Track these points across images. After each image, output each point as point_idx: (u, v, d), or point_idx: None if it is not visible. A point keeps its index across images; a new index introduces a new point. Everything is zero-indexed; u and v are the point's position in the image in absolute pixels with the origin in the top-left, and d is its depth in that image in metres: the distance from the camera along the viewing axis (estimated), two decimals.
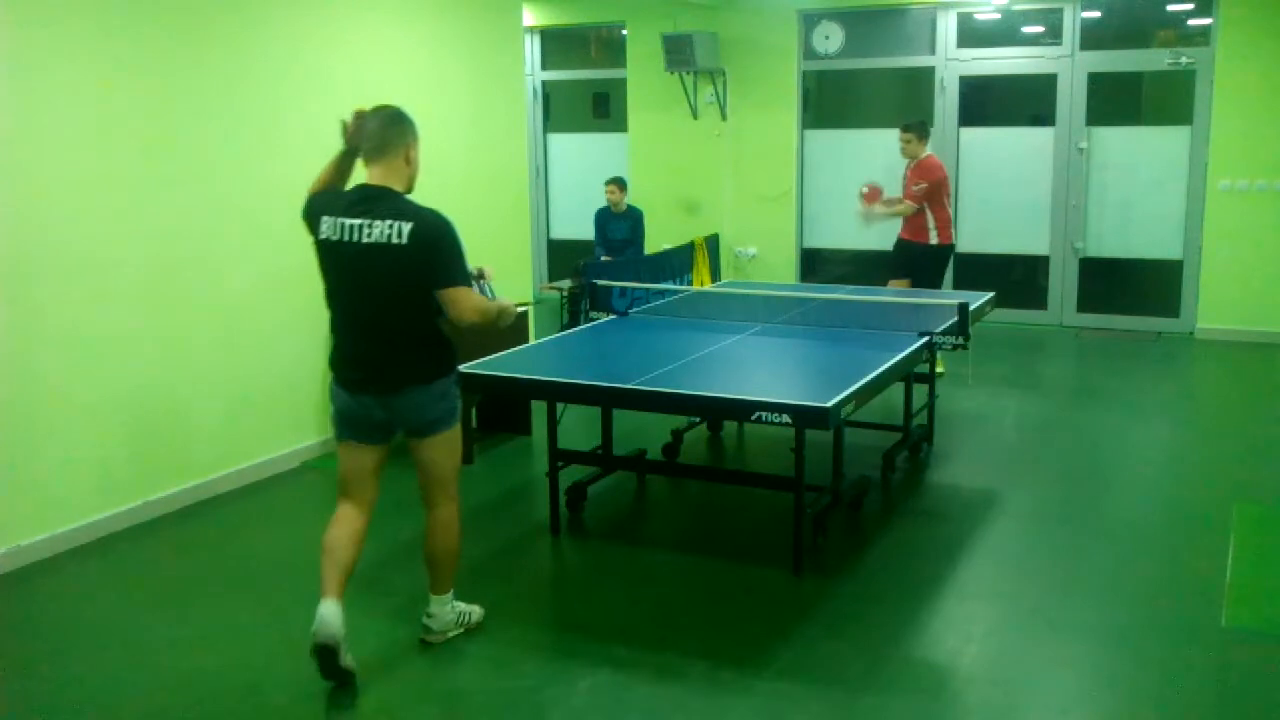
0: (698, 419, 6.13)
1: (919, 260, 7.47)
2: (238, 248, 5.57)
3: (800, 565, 4.48)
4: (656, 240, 9.54)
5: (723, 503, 5.44)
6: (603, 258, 8.80)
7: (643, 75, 10.60)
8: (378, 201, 3.50)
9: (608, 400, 4.75)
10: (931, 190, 7.34)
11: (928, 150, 7.54)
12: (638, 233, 9.20)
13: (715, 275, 8.88)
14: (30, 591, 4.45)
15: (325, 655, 3.50)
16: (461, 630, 3.97)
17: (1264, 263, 8.70)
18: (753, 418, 4.09)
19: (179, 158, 5.24)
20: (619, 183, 9.19)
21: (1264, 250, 8.69)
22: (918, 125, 7.54)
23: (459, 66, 7.09)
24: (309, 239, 3.66)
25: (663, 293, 6.67)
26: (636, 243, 9.16)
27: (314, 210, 3.62)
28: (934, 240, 7.43)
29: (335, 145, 3.89)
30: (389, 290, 3.51)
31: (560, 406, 4.97)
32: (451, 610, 3.94)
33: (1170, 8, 9.42)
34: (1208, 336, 8.94)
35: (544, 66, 11.43)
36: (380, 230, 3.45)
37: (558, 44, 11.58)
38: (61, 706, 3.58)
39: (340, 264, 3.54)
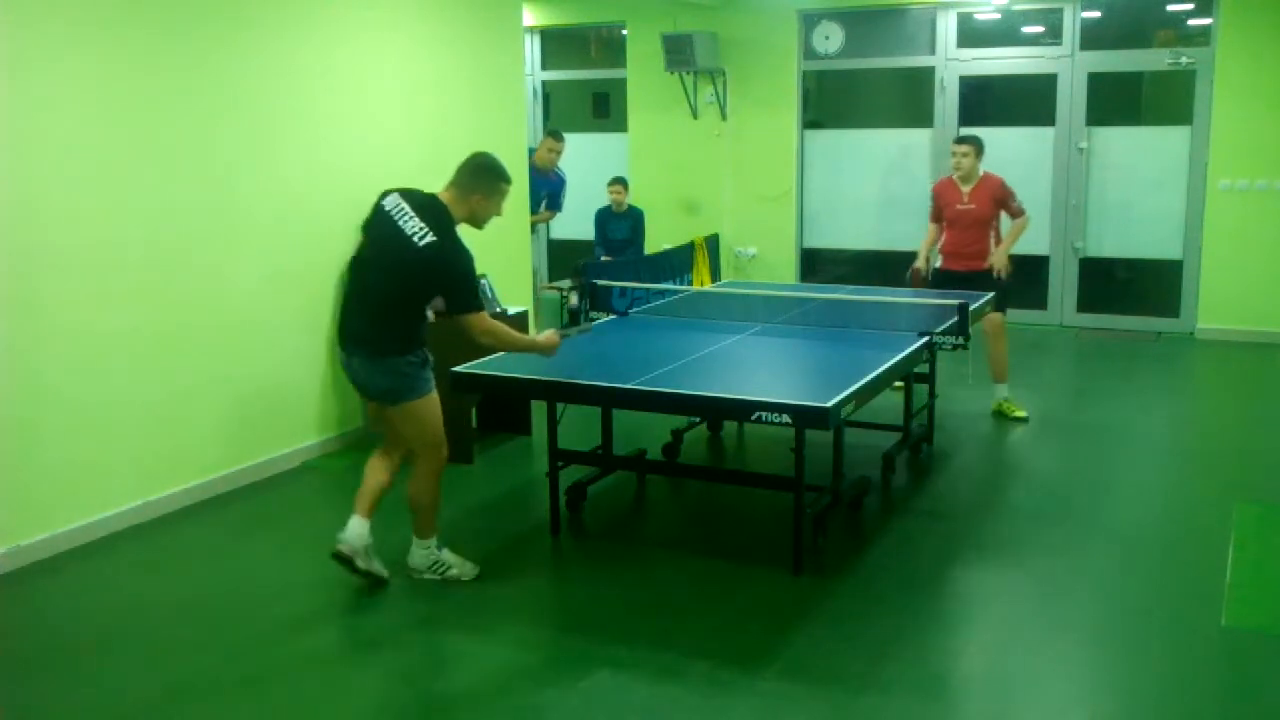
0: (698, 419, 6.13)
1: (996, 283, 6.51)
2: (238, 248, 5.57)
3: (800, 565, 4.48)
4: (656, 240, 9.54)
5: (723, 503, 5.44)
6: (603, 258, 8.80)
7: (643, 75, 10.60)
8: (432, 208, 4.10)
9: (608, 400, 4.75)
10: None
11: (978, 162, 6.65)
12: (638, 233, 9.21)
13: (715, 275, 8.88)
14: (30, 591, 4.45)
15: (341, 561, 4.22)
16: (436, 577, 4.38)
17: (1264, 263, 8.70)
18: (753, 418, 4.10)
19: (179, 158, 5.24)
20: (623, 183, 9.20)
21: (1264, 250, 8.69)
22: (979, 141, 6.68)
23: (459, 66, 7.09)
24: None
25: (663, 293, 6.67)
26: (637, 243, 9.17)
27: (381, 198, 4.21)
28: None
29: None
30: (390, 272, 4.06)
31: (560, 406, 4.97)
32: (427, 554, 4.39)
33: (1170, 8, 9.42)
34: (1208, 336, 8.94)
35: (544, 66, 11.43)
36: (414, 225, 4.04)
37: (558, 44, 11.58)
38: (62, 707, 3.58)
39: (375, 233, 4.16)
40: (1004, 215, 6.72)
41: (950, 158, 6.71)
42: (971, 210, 6.60)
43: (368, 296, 4.17)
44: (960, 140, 6.74)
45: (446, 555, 4.42)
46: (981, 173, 6.67)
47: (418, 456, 4.30)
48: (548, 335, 4.48)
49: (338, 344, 4.34)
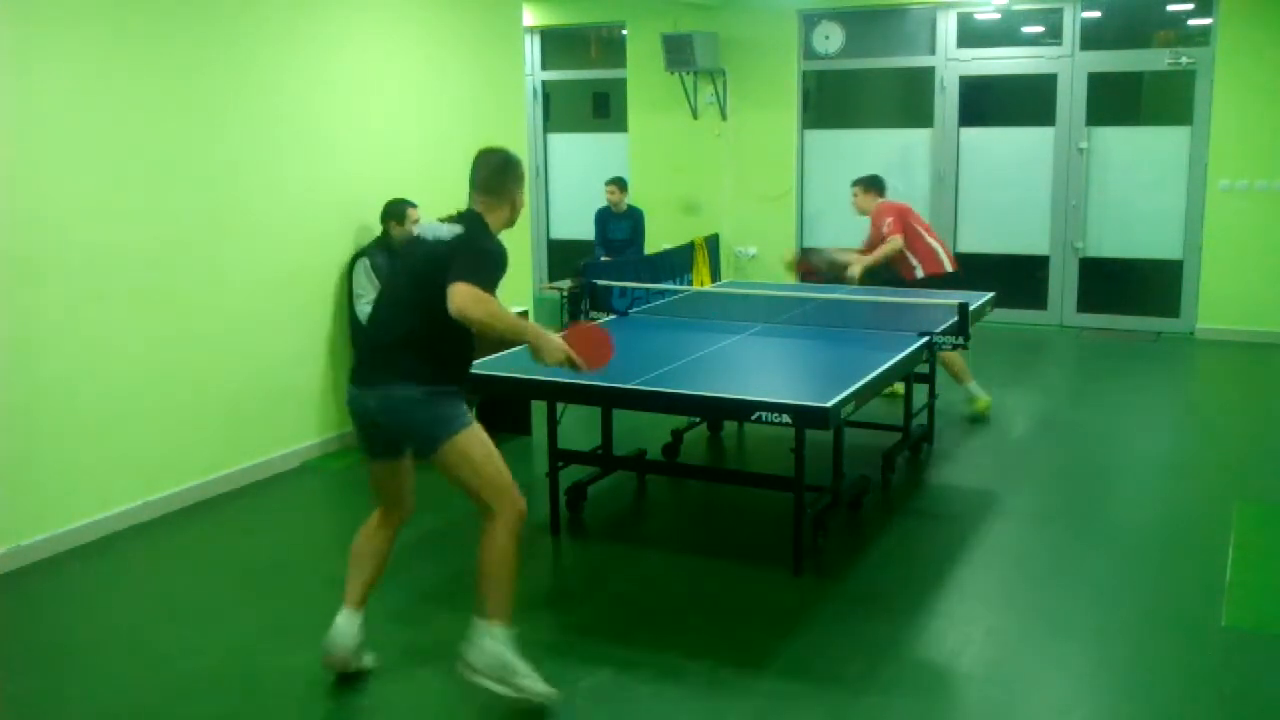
0: (698, 419, 6.12)
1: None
2: (238, 248, 5.57)
3: (800, 565, 4.48)
4: (656, 240, 9.53)
5: (723, 503, 5.44)
6: (603, 258, 8.80)
7: (643, 75, 10.60)
8: (463, 217, 3.58)
9: (608, 400, 4.75)
10: (899, 224, 6.81)
11: (872, 200, 7.03)
12: (638, 233, 9.20)
13: (715, 275, 8.87)
14: (30, 591, 4.45)
15: (332, 669, 3.62)
16: (501, 688, 3.42)
17: (1264, 263, 8.70)
18: (753, 418, 4.10)
19: (179, 158, 5.24)
20: (619, 183, 9.19)
21: (1264, 250, 8.69)
22: (868, 180, 7.08)
23: (459, 66, 7.09)
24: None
25: (663, 293, 6.67)
26: (637, 243, 9.17)
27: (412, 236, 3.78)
28: (919, 274, 6.83)
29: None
30: (419, 281, 3.47)
31: (560, 406, 4.97)
32: (495, 647, 3.44)
33: (1170, 8, 9.42)
34: (1208, 336, 8.94)
35: (544, 66, 11.43)
36: (444, 231, 3.52)
37: (558, 44, 11.58)
38: (61, 707, 3.58)
39: (401, 259, 3.74)
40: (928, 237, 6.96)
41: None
42: (869, 241, 6.96)
43: (391, 317, 3.54)
44: (854, 182, 7.12)
45: (521, 666, 3.45)
46: (875, 206, 6.99)
47: (481, 509, 3.48)
48: (555, 340, 3.61)
49: (349, 383, 3.60)
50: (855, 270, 6.91)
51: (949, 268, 6.87)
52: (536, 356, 3.60)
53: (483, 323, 3.35)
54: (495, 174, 3.67)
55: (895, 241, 6.76)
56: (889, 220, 6.83)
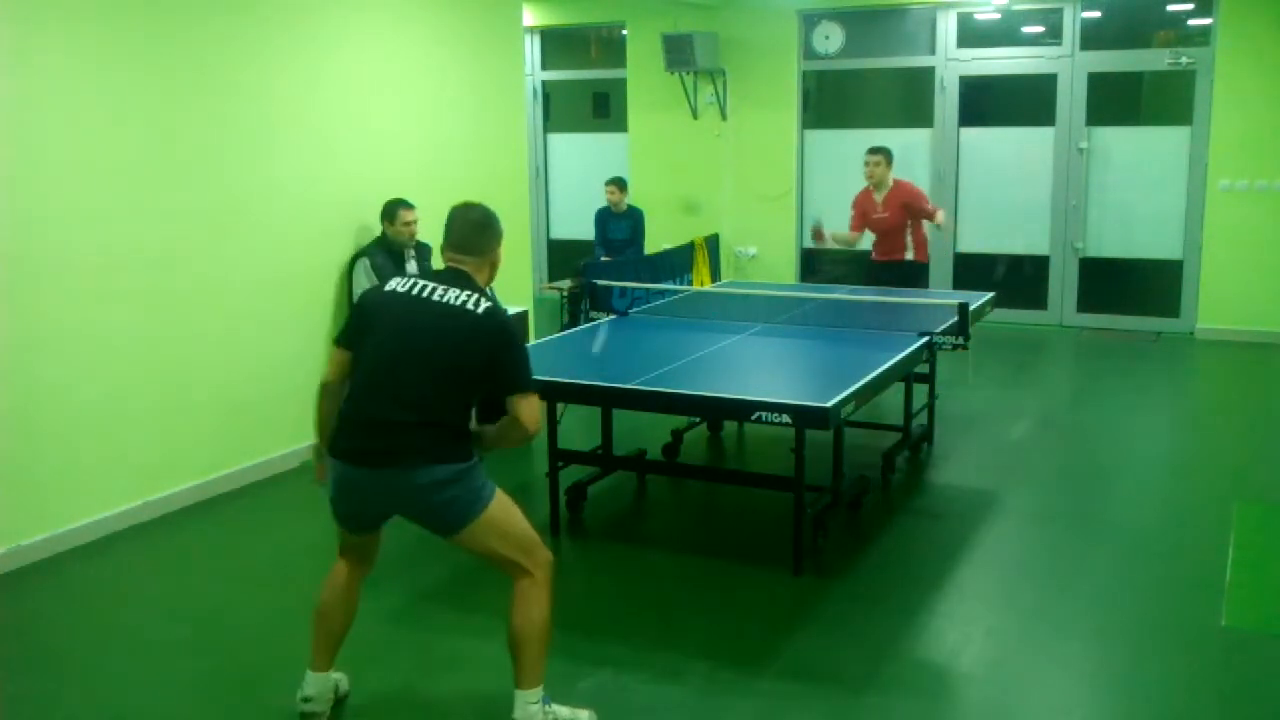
0: (698, 419, 6.12)
1: (904, 279, 6.97)
2: (238, 248, 5.57)
3: (800, 565, 4.48)
4: (656, 240, 9.53)
5: (723, 503, 5.44)
6: (603, 258, 8.80)
7: (643, 75, 10.60)
8: (458, 279, 3.26)
9: (608, 400, 4.75)
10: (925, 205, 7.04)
11: (889, 172, 7.06)
12: (638, 233, 9.20)
13: (715, 275, 8.87)
14: (30, 591, 4.45)
15: None
16: None
17: (1264, 263, 8.70)
18: (753, 418, 4.10)
19: (179, 158, 5.24)
20: (619, 183, 9.18)
21: (1264, 250, 8.69)
22: (887, 151, 7.11)
23: (459, 66, 7.09)
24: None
25: (663, 293, 6.67)
26: (637, 243, 9.16)
27: (377, 286, 3.42)
28: (909, 257, 7.06)
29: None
30: (440, 353, 3.14)
31: (560, 406, 4.97)
32: (543, 714, 3.26)
33: (1170, 8, 9.42)
34: (1208, 336, 8.94)
35: (544, 66, 11.43)
36: (456, 295, 3.19)
37: (558, 44, 11.58)
38: (61, 707, 3.58)
39: (398, 317, 3.20)
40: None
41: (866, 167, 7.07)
42: (885, 219, 6.99)
43: (409, 391, 3.12)
44: (873, 150, 7.09)
45: (561, 710, 3.32)
46: (893, 181, 7.03)
47: (510, 571, 3.25)
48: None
49: (346, 463, 3.17)
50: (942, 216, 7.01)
51: (925, 258, 7.15)
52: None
53: (521, 440, 3.25)
54: (476, 232, 3.34)
55: (941, 215, 6.97)
56: (926, 205, 7.03)
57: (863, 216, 7.12)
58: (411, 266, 6.12)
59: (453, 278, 3.26)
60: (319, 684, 3.37)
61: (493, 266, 3.39)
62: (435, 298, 3.19)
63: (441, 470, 3.11)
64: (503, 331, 3.19)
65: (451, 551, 4.61)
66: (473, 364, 3.14)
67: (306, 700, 3.37)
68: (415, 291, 3.22)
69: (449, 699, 3.63)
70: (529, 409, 3.18)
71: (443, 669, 3.83)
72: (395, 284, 3.29)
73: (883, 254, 7.12)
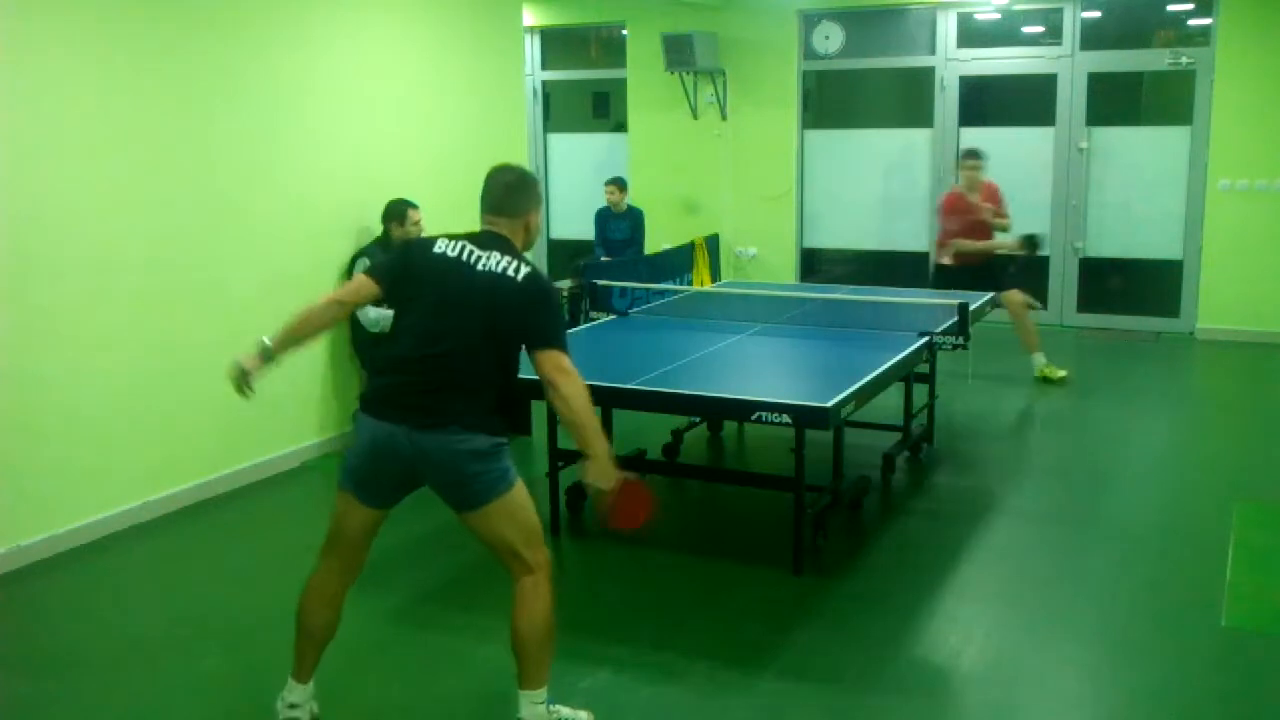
0: (698, 419, 6.12)
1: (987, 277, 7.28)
2: (238, 248, 5.57)
3: (800, 565, 4.48)
4: (656, 240, 9.54)
5: (723, 503, 5.44)
6: (603, 258, 8.80)
7: (643, 75, 10.60)
8: (500, 244, 3.25)
9: (608, 400, 4.74)
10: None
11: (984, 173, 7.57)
12: (638, 233, 9.20)
13: (715, 275, 8.87)
14: (30, 591, 4.45)
15: None
16: None
17: (1264, 263, 8.69)
18: (753, 418, 4.10)
19: (179, 158, 5.24)
20: (618, 183, 9.18)
21: (1264, 250, 8.69)
22: (983, 153, 7.60)
23: (459, 66, 7.09)
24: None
25: (663, 293, 6.67)
26: (637, 243, 9.16)
27: (427, 239, 3.33)
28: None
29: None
30: (484, 319, 3.16)
31: None
32: (549, 715, 3.25)
33: (1170, 8, 9.42)
34: (1208, 336, 8.94)
35: (544, 66, 11.43)
36: (497, 261, 3.18)
37: (558, 44, 11.58)
38: (61, 707, 3.58)
39: (442, 279, 3.20)
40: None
41: (961, 170, 7.56)
42: (983, 221, 7.43)
43: (452, 356, 3.14)
44: (972, 154, 7.57)
45: (564, 710, 3.33)
46: (982, 181, 7.55)
47: (513, 566, 3.22)
48: (612, 470, 3.29)
49: (377, 419, 3.16)
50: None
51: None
52: (588, 471, 3.28)
53: (578, 410, 3.19)
54: (509, 193, 3.32)
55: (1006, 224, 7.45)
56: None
57: (965, 217, 7.36)
58: None
59: (490, 241, 3.25)
60: (302, 693, 3.33)
61: (528, 230, 3.34)
62: (477, 264, 3.18)
63: (480, 440, 3.12)
64: (538, 293, 3.18)
65: (452, 551, 4.63)
66: (511, 327, 3.16)
67: (293, 707, 3.32)
68: (461, 255, 3.21)
69: (450, 699, 3.63)
70: (565, 372, 3.14)
71: (444, 669, 3.82)
72: (444, 245, 3.24)
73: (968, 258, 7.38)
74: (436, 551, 4.75)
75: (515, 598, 3.21)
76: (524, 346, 3.20)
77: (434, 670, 3.82)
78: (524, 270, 3.19)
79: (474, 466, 3.12)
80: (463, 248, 3.22)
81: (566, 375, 3.15)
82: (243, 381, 3.40)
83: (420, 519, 4.78)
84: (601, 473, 3.24)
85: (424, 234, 6.17)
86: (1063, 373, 7.54)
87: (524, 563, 3.21)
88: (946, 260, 7.44)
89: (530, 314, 3.18)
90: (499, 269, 3.17)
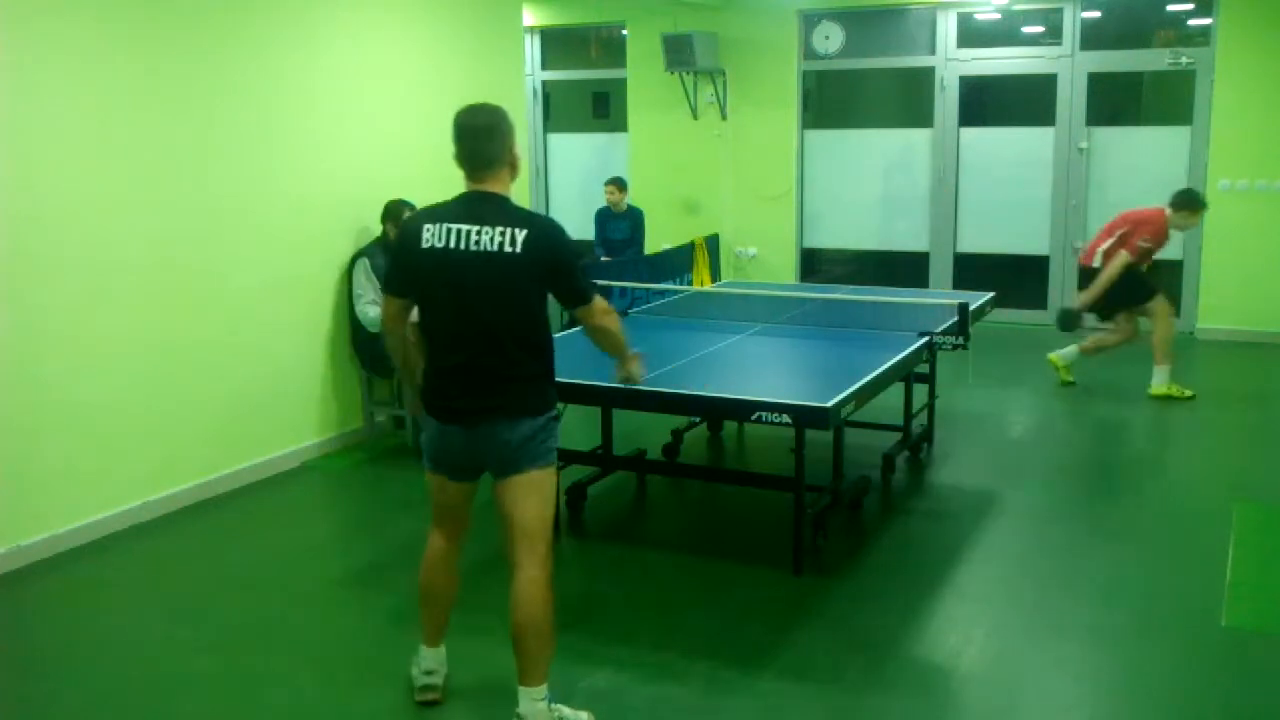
0: (698, 419, 6.12)
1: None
2: (238, 248, 5.57)
3: (800, 565, 4.48)
4: (656, 240, 9.54)
5: (723, 503, 5.44)
6: (603, 258, 8.80)
7: (643, 75, 10.60)
8: (487, 208, 3.16)
9: (608, 400, 4.75)
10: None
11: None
12: (638, 233, 9.20)
13: (715, 275, 8.88)
14: (30, 591, 4.45)
15: (429, 705, 3.49)
16: None
17: (1264, 263, 8.70)
18: (753, 418, 4.10)
19: (180, 159, 5.24)
20: (618, 183, 9.18)
21: (1264, 250, 8.69)
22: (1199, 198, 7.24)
23: (459, 66, 7.09)
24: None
25: (663, 293, 6.66)
26: (637, 243, 9.16)
27: (411, 227, 3.24)
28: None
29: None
30: (496, 304, 3.14)
31: (560, 406, 4.95)
32: (549, 712, 3.24)
33: (1170, 8, 9.42)
34: (1208, 336, 8.94)
35: (544, 66, 11.43)
36: (491, 237, 3.10)
37: (558, 44, 11.58)
38: (61, 707, 3.58)
39: (444, 275, 3.16)
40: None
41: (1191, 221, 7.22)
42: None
43: (477, 352, 3.18)
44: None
45: (565, 710, 3.30)
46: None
47: (523, 554, 3.22)
48: (637, 358, 3.64)
49: (439, 421, 3.27)
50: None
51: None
52: (624, 369, 3.62)
53: (613, 335, 3.40)
54: (490, 139, 3.19)
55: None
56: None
57: (1155, 245, 7.12)
58: None
59: (478, 207, 3.16)
60: (436, 658, 3.52)
61: (514, 166, 3.26)
62: (471, 246, 3.11)
63: (527, 425, 3.20)
64: (543, 255, 3.13)
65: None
66: (525, 295, 3.16)
67: (429, 673, 3.49)
68: (450, 243, 3.13)
69: (450, 699, 3.63)
70: (599, 314, 3.30)
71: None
72: (430, 235, 3.15)
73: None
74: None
75: (515, 593, 3.21)
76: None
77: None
78: (522, 234, 3.09)
79: (522, 443, 3.20)
80: (450, 232, 3.14)
81: (611, 316, 3.35)
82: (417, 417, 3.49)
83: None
84: (636, 371, 3.63)
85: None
86: (1189, 392, 7.17)
87: (533, 548, 3.22)
88: (1101, 264, 7.14)
89: (549, 281, 3.18)
90: (496, 245, 3.10)
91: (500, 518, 3.27)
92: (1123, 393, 7.46)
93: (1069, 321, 7.42)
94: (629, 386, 3.76)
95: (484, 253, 3.11)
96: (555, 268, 3.18)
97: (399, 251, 3.35)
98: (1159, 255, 7.35)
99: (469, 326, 3.17)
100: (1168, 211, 7.05)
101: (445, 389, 3.24)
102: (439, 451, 3.33)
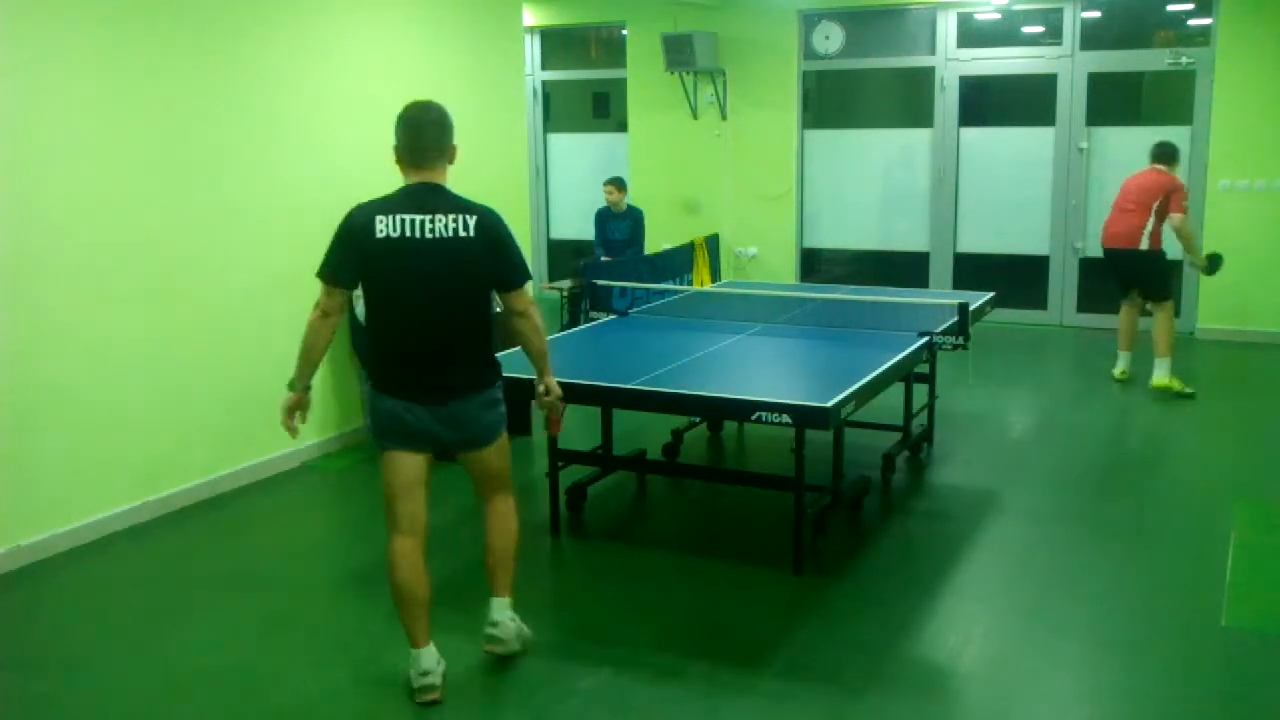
0: (698, 419, 6.12)
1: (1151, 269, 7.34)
2: (238, 248, 5.57)
3: (800, 565, 4.48)
4: (656, 240, 9.53)
5: (723, 503, 5.44)
6: (603, 258, 8.79)
7: (643, 75, 10.60)
8: (435, 198, 3.39)
9: (608, 400, 4.75)
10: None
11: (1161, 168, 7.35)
12: (638, 233, 9.19)
13: (715, 275, 8.87)
14: (30, 591, 4.45)
15: (430, 705, 3.53)
16: (521, 649, 3.75)
17: (1264, 263, 8.70)
18: (753, 418, 4.10)
19: (179, 159, 5.24)
20: (617, 183, 9.17)
21: (1264, 250, 8.69)
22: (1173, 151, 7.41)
23: (459, 66, 7.09)
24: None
25: (663, 293, 6.67)
26: (637, 243, 9.15)
27: (360, 219, 3.39)
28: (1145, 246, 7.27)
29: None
30: (454, 286, 3.39)
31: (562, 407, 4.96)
32: (514, 619, 3.74)
33: (1170, 8, 9.42)
34: (1208, 336, 8.94)
35: (544, 66, 11.44)
36: (445, 224, 3.35)
37: (558, 44, 11.58)
38: (61, 707, 3.58)
39: (402, 261, 3.34)
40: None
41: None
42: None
43: (436, 334, 3.42)
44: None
45: (519, 622, 3.79)
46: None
47: (495, 490, 3.69)
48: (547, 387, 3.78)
49: (397, 399, 3.43)
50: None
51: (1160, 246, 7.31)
52: (544, 381, 3.76)
53: (543, 336, 3.61)
54: (442, 131, 3.44)
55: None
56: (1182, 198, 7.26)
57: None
58: None
59: (427, 197, 3.38)
60: (429, 657, 3.55)
61: (451, 157, 3.50)
62: (426, 234, 3.34)
63: (487, 396, 3.53)
64: (493, 240, 3.41)
65: (449, 552, 4.63)
66: (478, 278, 3.45)
67: (425, 674, 3.52)
68: (405, 232, 3.34)
69: (449, 697, 3.63)
70: (522, 299, 3.51)
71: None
72: (384, 226, 3.34)
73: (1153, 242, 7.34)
74: (433, 552, 4.73)
75: (493, 520, 3.69)
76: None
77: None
78: (473, 220, 3.38)
79: (485, 417, 3.55)
80: (404, 222, 3.34)
81: (535, 305, 3.57)
82: (289, 425, 3.70)
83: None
84: (554, 385, 3.77)
85: None
86: (1190, 389, 7.21)
87: (504, 485, 3.70)
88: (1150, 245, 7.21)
89: (495, 262, 3.44)
90: (451, 231, 3.35)
91: (471, 474, 3.67)
92: (1123, 393, 7.46)
93: (1216, 264, 7.53)
94: (550, 414, 3.94)
95: (440, 239, 3.34)
96: (501, 248, 3.44)
97: (350, 244, 3.41)
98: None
99: (431, 310, 3.39)
100: (1167, 169, 7.28)
101: (409, 370, 3.42)
102: (400, 427, 3.43)
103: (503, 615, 3.72)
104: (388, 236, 3.33)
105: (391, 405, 3.43)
